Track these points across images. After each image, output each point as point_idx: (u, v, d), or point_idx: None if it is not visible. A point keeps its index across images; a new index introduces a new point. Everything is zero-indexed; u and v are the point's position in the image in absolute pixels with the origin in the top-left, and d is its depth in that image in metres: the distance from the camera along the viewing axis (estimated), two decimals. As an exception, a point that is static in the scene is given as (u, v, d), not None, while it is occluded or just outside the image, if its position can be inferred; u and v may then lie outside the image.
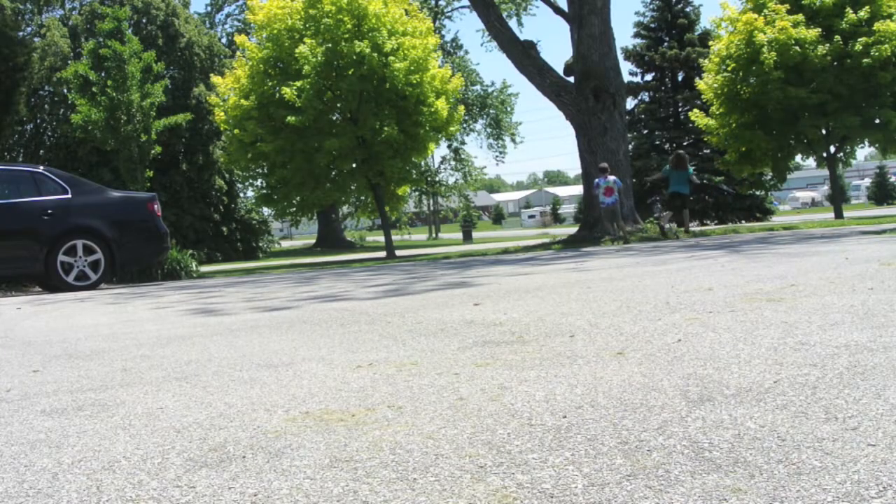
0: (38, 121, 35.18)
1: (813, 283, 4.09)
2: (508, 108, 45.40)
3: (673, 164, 13.98)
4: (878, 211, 31.17)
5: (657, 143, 35.08)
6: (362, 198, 20.48)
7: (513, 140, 46.40)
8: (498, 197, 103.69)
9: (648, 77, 35.55)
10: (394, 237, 22.40)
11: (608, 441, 1.64)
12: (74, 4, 38.14)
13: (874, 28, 18.56)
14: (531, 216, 72.21)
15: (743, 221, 32.64)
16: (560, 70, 15.63)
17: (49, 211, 9.31)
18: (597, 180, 13.72)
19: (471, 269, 8.11)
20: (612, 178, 13.52)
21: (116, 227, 9.59)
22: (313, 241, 43.62)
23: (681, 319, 3.15)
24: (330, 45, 17.03)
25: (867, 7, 18.83)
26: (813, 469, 1.41)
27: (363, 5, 17.28)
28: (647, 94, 35.68)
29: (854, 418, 1.68)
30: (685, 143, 34.47)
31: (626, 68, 36.26)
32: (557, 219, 69.01)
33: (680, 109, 34.32)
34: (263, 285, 7.97)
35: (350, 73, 17.10)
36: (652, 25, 35.92)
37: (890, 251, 5.95)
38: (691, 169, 14.09)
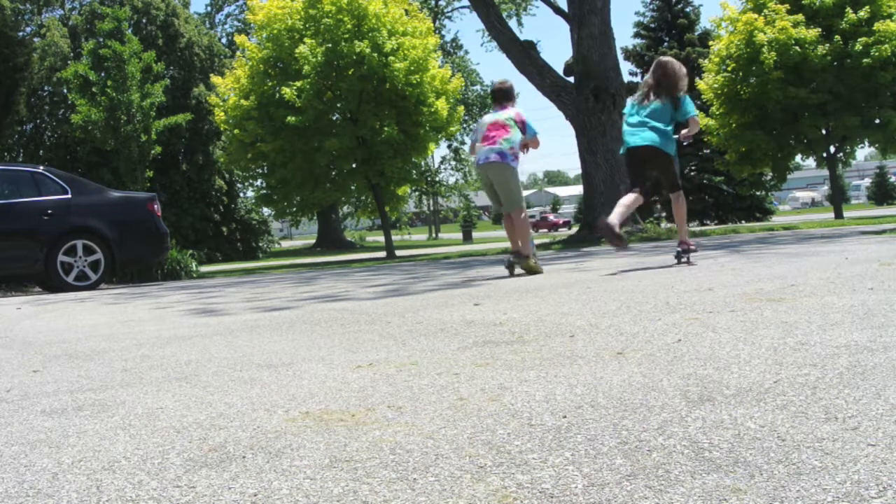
0: (38, 121, 35.20)
1: (813, 283, 4.09)
2: (508, 108, 45.39)
3: (648, 90, 6.14)
4: (878, 211, 31.18)
5: (657, 143, 35.08)
6: (362, 198, 20.49)
7: (513, 140, 46.36)
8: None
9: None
10: (394, 237, 22.41)
11: (608, 441, 1.64)
12: (74, 4, 38.16)
13: (874, 28, 18.57)
14: (531, 216, 72.16)
15: (743, 221, 32.66)
16: (560, 70, 15.63)
17: (49, 211, 9.31)
18: (484, 118, 6.61)
19: (471, 269, 8.11)
20: (511, 111, 6.41)
21: (116, 227, 9.59)
22: (313, 241, 43.64)
23: (681, 319, 3.15)
24: (330, 45, 17.03)
25: (867, 7, 18.84)
26: (813, 469, 1.41)
27: (363, 5, 17.29)
28: (647, 94, 35.64)
29: (854, 418, 1.68)
30: (685, 143, 34.44)
31: (626, 68, 36.29)
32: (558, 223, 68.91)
33: (680, 109, 34.28)
34: (263, 285, 7.97)
35: (350, 73, 17.10)
36: (652, 25, 35.95)
37: (890, 251, 5.95)
38: (689, 103, 6.09)
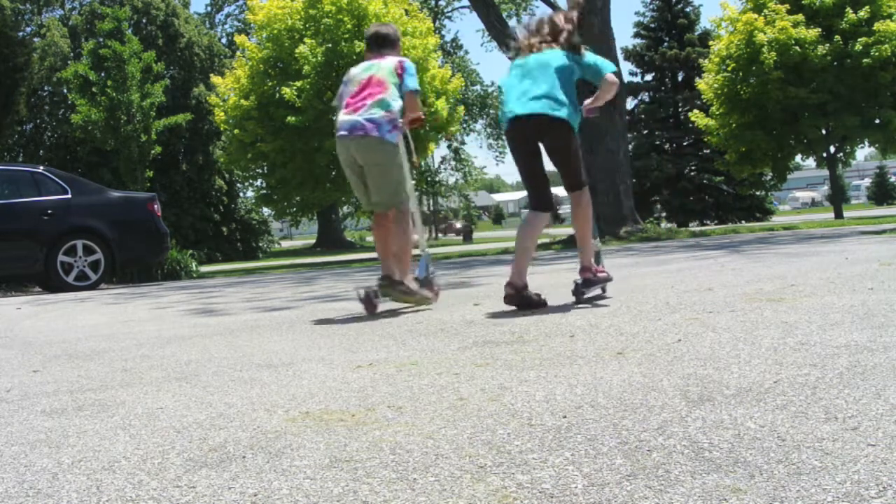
0: (38, 121, 35.22)
1: (813, 283, 4.09)
2: (508, 108, 45.41)
3: (531, 39, 4.06)
4: (878, 211, 31.17)
5: (657, 143, 35.10)
6: (362, 198, 20.45)
7: (513, 140, 46.40)
8: (498, 197, 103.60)
9: (648, 77, 35.56)
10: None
11: (608, 441, 1.64)
12: (74, 4, 38.18)
13: (874, 28, 18.57)
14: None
15: (743, 221, 32.64)
16: (560, 70, 15.62)
17: (49, 211, 9.31)
18: (352, 70, 4.49)
19: (471, 269, 8.11)
20: (390, 61, 4.37)
21: (116, 227, 9.60)
22: (313, 241, 43.61)
23: (681, 319, 3.15)
24: (330, 45, 17.03)
25: (867, 7, 18.84)
26: (813, 469, 1.41)
27: (363, 5, 17.29)
28: (647, 94, 35.69)
29: (854, 418, 1.68)
30: (685, 143, 34.50)
31: (626, 68, 36.29)
32: (557, 219, 69.05)
33: (680, 109, 34.34)
34: (263, 285, 7.97)
35: (350, 73, 17.09)
36: (652, 25, 35.94)
37: (890, 251, 5.95)
38: (597, 57, 4.02)
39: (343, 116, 4.25)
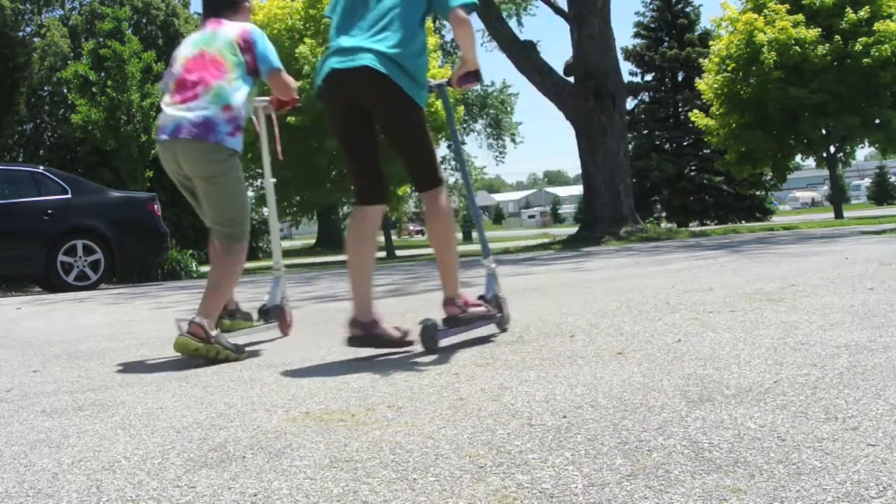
0: (38, 121, 35.23)
1: (813, 283, 4.09)
2: (508, 108, 45.40)
3: None
4: (878, 211, 31.18)
5: (657, 143, 35.12)
6: (362, 198, 20.45)
7: (513, 140, 46.40)
8: (498, 197, 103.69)
9: (648, 77, 35.60)
10: (394, 237, 22.39)
11: (608, 441, 1.64)
12: (74, 4, 38.20)
13: (874, 28, 18.57)
14: (531, 216, 72.21)
15: (743, 221, 32.65)
16: (560, 70, 15.62)
17: (49, 211, 9.31)
18: (179, 49, 3.39)
19: (471, 269, 8.09)
20: (232, 29, 3.25)
21: (116, 227, 9.60)
22: (313, 241, 43.61)
23: (681, 319, 3.15)
24: (330, 45, 17.06)
25: (867, 7, 18.84)
26: (813, 469, 1.41)
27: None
28: (647, 94, 35.72)
29: (854, 418, 1.68)
30: (685, 143, 34.51)
31: (626, 68, 36.29)
32: (557, 219, 69.05)
33: (680, 109, 34.36)
34: (263, 285, 7.97)
35: (350, 73, 17.10)
36: (652, 25, 35.97)
37: (890, 251, 5.95)
38: None
39: (166, 112, 3.19)
